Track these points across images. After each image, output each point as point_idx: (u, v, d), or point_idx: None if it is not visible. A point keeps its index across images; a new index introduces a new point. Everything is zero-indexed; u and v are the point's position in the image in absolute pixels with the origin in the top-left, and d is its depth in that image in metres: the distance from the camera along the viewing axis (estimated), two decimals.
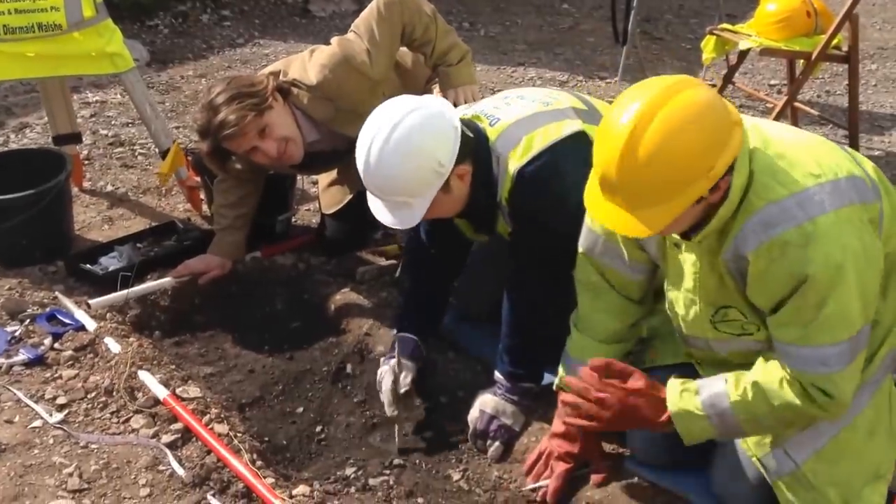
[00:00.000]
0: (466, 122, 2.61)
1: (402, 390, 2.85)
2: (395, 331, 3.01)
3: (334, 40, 3.32)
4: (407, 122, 2.43)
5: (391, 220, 2.55)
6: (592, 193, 2.09)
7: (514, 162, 2.57)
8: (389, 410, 2.86)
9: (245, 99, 3.14)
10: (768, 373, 2.15)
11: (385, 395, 2.86)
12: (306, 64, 3.30)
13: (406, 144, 2.42)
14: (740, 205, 2.05)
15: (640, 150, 1.92)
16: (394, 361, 2.87)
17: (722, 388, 2.19)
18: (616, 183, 1.99)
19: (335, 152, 3.49)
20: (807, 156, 2.06)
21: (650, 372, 2.62)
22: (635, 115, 1.93)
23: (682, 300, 2.34)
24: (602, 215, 2.07)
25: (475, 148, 2.58)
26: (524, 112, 2.66)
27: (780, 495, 2.28)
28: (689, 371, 2.50)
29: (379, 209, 2.57)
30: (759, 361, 2.19)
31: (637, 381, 2.31)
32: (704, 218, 2.08)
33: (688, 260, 2.25)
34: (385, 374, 2.89)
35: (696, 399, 2.21)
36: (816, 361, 2.05)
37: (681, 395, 2.24)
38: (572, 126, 2.61)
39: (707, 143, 1.93)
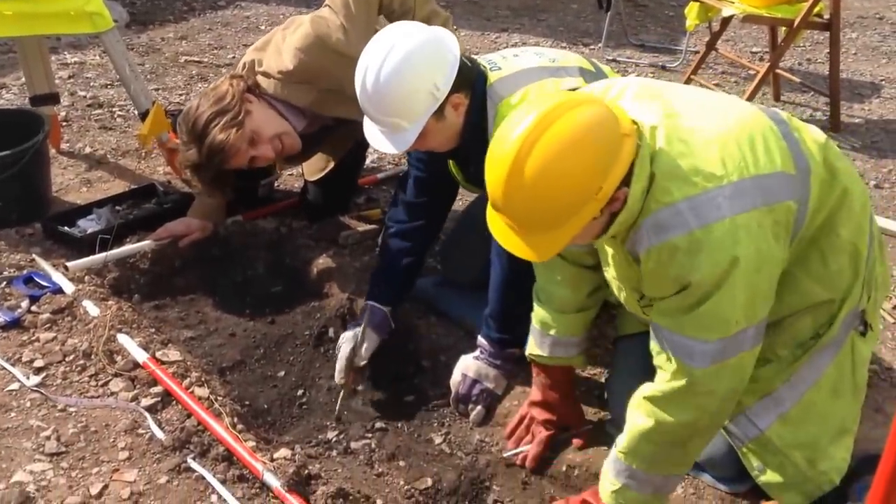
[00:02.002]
0: (469, 58, 2.58)
1: (360, 363, 2.85)
2: (367, 298, 3.00)
3: (307, 19, 3.20)
4: (406, 43, 2.42)
5: (382, 144, 2.53)
6: (489, 209, 2.03)
7: (507, 109, 2.54)
8: (338, 377, 2.86)
9: (220, 117, 3.05)
10: (633, 413, 2.13)
11: (340, 362, 2.86)
12: (280, 48, 3.20)
13: (404, 63, 2.40)
14: (643, 206, 1.99)
15: (524, 178, 1.86)
16: (358, 330, 2.85)
17: (614, 452, 2.20)
18: (502, 206, 1.94)
19: (323, 130, 3.45)
20: (714, 153, 1.97)
21: (624, 338, 2.66)
22: (518, 139, 1.87)
23: (613, 284, 2.34)
24: (499, 234, 2.02)
25: (473, 83, 2.55)
26: (528, 65, 2.62)
27: (747, 462, 2.30)
28: None
29: (376, 136, 2.55)
30: (628, 407, 2.17)
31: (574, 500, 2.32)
32: (609, 225, 2.03)
33: (608, 250, 2.25)
34: (346, 340, 2.88)
35: (609, 476, 2.21)
36: (683, 351, 2.02)
37: (605, 483, 2.23)
38: (571, 83, 2.57)
39: (591, 165, 1.86)
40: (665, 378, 2.07)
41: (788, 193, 2.02)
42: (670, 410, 2.06)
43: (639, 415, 2.12)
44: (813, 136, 2.19)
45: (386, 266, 3.03)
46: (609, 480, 2.21)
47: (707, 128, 2.02)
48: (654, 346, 2.11)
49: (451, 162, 2.86)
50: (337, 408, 2.83)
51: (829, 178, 2.15)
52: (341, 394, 2.84)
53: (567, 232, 1.92)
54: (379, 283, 3.00)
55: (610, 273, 2.32)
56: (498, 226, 2.01)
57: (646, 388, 2.12)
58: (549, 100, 1.93)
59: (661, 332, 2.07)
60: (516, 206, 1.92)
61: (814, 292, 2.19)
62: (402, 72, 2.40)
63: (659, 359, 2.09)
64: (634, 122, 1.98)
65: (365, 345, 2.85)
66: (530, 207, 1.90)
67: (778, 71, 5.19)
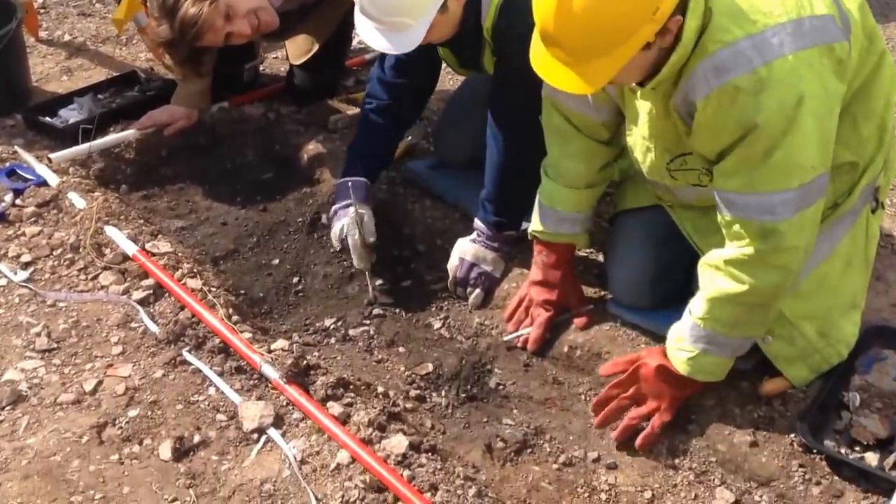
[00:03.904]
0: None
1: (371, 240, 2.78)
2: (343, 175, 2.91)
3: None
4: None
5: (385, 45, 2.42)
6: (536, 47, 1.95)
7: None
8: (362, 264, 2.79)
9: None
10: (710, 279, 2.09)
11: (355, 250, 2.78)
12: None
13: None
14: (695, 47, 1.91)
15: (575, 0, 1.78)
16: (352, 210, 2.76)
17: (690, 320, 2.15)
18: (554, 36, 1.86)
19: (304, 8, 3.31)
20: None
21: (623, 215, 2.60)
22: None
23: (639, 146, 2.27)
24: (545, 71, 1.94)
25: None
26: None
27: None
28: (660, 214, 2.47)
29: (372, 34, 2.43)
30: (700, 271, 2.13)
31: (647, 366, 2.25)
32: (657, 65, 1.95)
33: (643, 106, 2.16)
34: (348, 226, 2.78)
35: (684, 344, 2.17)
36: (762, 209, 1.97)
37: (678, 352, 2.19)
38: None
39: None
40: (745, 242, 2.01)
41: (842, 35, 1.96)
42: (757, 274, 2.02)
43: (720, 279, 2.07)
44: None
45: (363, 141, 2.95)
46: (684, 349, 2.18)
47: None
48: (723, 216, 2.04)
49: (441, 49, 2.74)
50: (371, 291, 2.78)
51: (867, 43, 2.08)
52: (368, 276, 2.79)
53: (620, 57, 1.84)
54: (356, 158, 2.92)
55: (639, 134, 2.23)
56: (544, 62, 1.94)
57: (724, 253, 2.06)
58: None
59: (731, 198, 2.01)
60: (570, 27, 1.83)
61: (840, 155, 2.13)
62: None
63: (730, 228, 2.03)
64: None
65: (365, 221, 2.78)
66: (585, 27, 1.82)
67: None
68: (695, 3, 1.87)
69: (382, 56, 2.89)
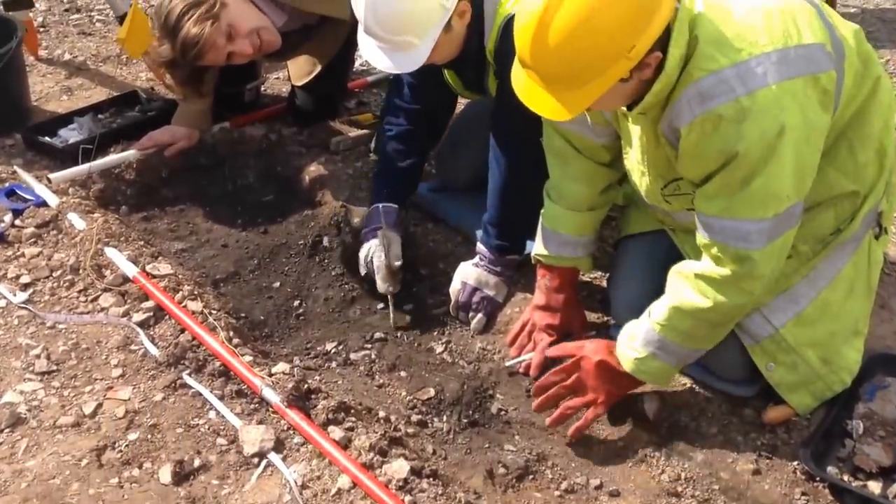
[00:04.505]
0: None
1: (396, 264, 2.77)
2: (372, 202, 2.90)
3: None
4: None
5: (389, 65, 2.42)
6: (517, 70, 1.97)
7: (505, 8, 2.43)
8: (384, 287, 2.77)
9: (194, 10, 2.92)
10: (679, 288, 2.11)
11: (379, 272, 2.77)
12: None
13: None
14: (681, 74, 1.93)
15: (552, 31, 1.80)
16: (381, 234, 2.76)
17: (647, 323, 2.17)
18: (531, 65, 1.88)
19: (306, 28, 3.31)
20: (758, 20, 1.92)
21: (625, 239, 2.60)
22: None
23: (635, 170, 2.28)
24: (525, 95, 1.96)
25: None
26: None
27: (758, 361, 2.28)
28: (663, 238, 2.47)
29: (376, 54, 2.43)
30: (669, 277, 2.16)
31: (588, 360, 2.29)
32: (641, 92, 1.97)
33: (635, 131, 2.17)
34: (374, 249, 2.78)
35: (635, 343, 2.20)
36: (738, 235, 1.99)
37: (627, 350, 2.22)
38: None
39: (625, 21, 1.79)
40: (719, 263, 2.04)
41: (830, 64, 1.97)
42: (726, 293, 2.05)
43: (687, 290, 2.09)
44: (845, 22, 2.13)
45: (387, 168, 2.94)
46: (634, 348, 2.20)
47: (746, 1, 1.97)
48: (702, 238, 2.07)
49: (446, 70, 2.74)
50: (392, 317, 2.76)
51: (861, 69, 2.10)
52: (390, 302, 2.77)
53: (595, 90, 1.86)
54: (383, 185, 2.91)
55: (633, 158, 2.25)
56: (523, 84, 1.95)
57: (697, 266, 2.09)
58: None
59: (710, 222, 2.03)
60: (545, 59, 1.85)
61: (840, 184, 2.16)
62: None
63: (709, 251, 2.06)
64: None
65: (392, 245, 2.77)
66: (560, 61, 1.84)
67: None
68: (678, 34, 1.88)
69: (398, 82, 2.89)
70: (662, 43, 1.87)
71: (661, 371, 2.22)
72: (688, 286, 2.09)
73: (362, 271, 2.82)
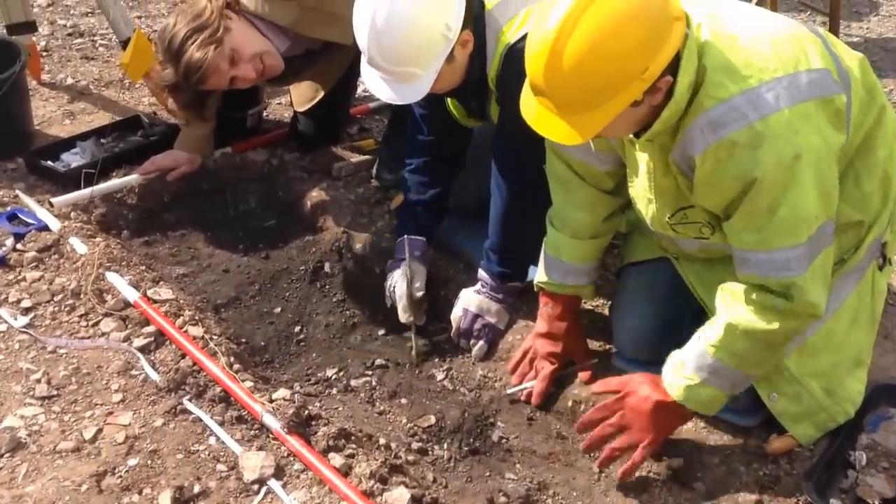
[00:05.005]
0: None
1: (418, 295, 2.77)
2: (398, 234, 2.91)
3: None
4: None
5: (391, 96, 2.42)
6: (526, 96, 1.97)
7: (507, 36, 2.43)
8: (405, 317, 2.77)
9: (198, 34, 2.93)
10: (733, 306, 2.08)
11: (400, 301, 2.77)
12: None
13: (415, 7, 2.28)
14: (691, 103, 1.93)
15: (566, 56, 1.80)
16: (405, 265, 2.77)
17: (700, 346, 2.13)
18: (544, 89, 1.88)
19: (309, 54, 3.32)
20: (766, 47, 1.93)
21: (628, 267, 2.60)
22: (561, 17, 1.80)
23: (641, 198, 2.27)
24: (535, 120, 1.96)
25: (475, 15, 2.44)
26: None
27: (761, 391, 2.27)
28: (666, 266, 2.46)
29: (378, 84, 2.43)
30: (720, 296, 2.12)
31: (635, 395, 2.24)
32: (650, 119, 1.97)
33: (642, 159, 2.17)
34: (398, 278, 2.79)
35: (685, 371, 2.16)
36: (778, 266, 1.98)
37: (676, 378, 2.17)
38: None
39: (638, 43, 1.80)
40: (766, 296, 2.02)
41: (839, 88, 1.98)
42: (783, 319, 2.02)
43: (742, 309, 2.05)
44: (850, 52, 2.14)
45: (411, 201, 2.94)
46: (684, 375, 2.15)
47: (754, 27, 1.98)
48: (742, 274, 2.05)
49: (448, 99, 2.75)
50: (413, 348, 2.75)
51: (867, 98, 2.11)
52: (413, 332, 2.77)
53: (608, 112, 1.85)
54: (408, 218, 2.92)
55: (640, 186, 2.24)
56: (534, 112, 1.95)
57: (751, 290, 2.04)
58: None
59: (745, 256, 2.02)
60: (559, 83, 1.84)
61: (845, 213, 2.15)
62: (415, 16, 2.27)
63: (754, 288, 2.03)
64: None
65: (416, 277, 2.78)
66: (574, 84, 1.83)
67: None
68: (687, 62, 1.89)
69: (413, 118, 2.89)
70: (673, 68, 1.87)
71: (711, 399, 2.17)
72: (742, 305, 2.06)
73: (388, 302, 2.82)
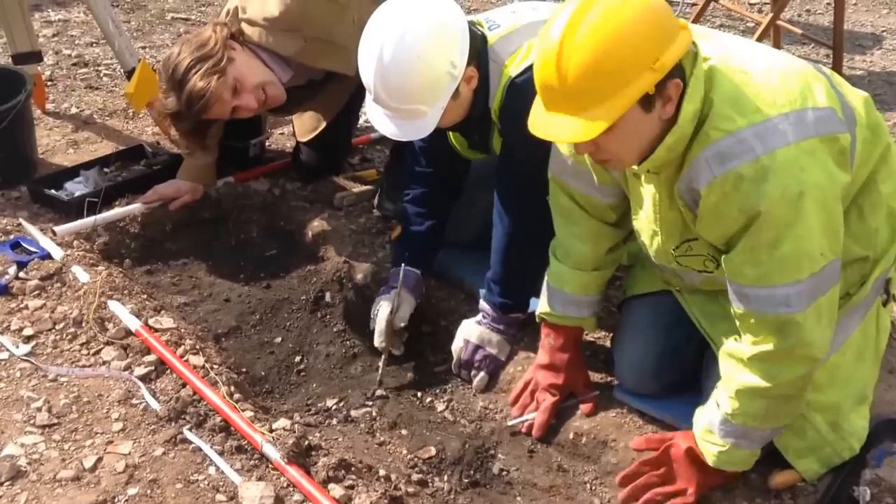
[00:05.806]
0: (468, 22, 2.46)
1: (400, 325, 2.77)
2: (394, 264, 2.91)
3: None
4: (417, 22, 2.30)
5: (396, 132, 2.43)
6: (535, 109, 1.97)
7: (509, 69, 2.45)
8: (378, 341, 2.77)
9: (201, 64, 2.96)
10: (735, 375, 2.08)
11: (378, 325, 2.77)
12: None
13: (421, 45, 2.28)
14: (697, 134, 1.94)
15: (577, 46, 1.80)
16: (394, 293, 2.77)
17: (719, 414, 2.14)
18: (555, 86, 1.86)
19: (311, 84, 3.34)
20: (776, 82, 1.94)
21: (631, 300, 2.60)
22: (567, 19, 1.82)
23: (645, 231, 2.27)
24: (544, 129, 1.94)
25: (479, 50, 2.46)
26: (528, 20, 2.52)
27: None
28: (668, 299, 2.46)
29: (382, 121, 2.44)
30: (723, 362, 2.13)
31: (677, 448, 2.24)
32: (654, 142, 1.96)
33: (647, 192, 2.17)
34: (383, 304, 2.79)
35: (716, 439, 2.16)
36: (777, 301, 1.96)
37: (707, 445, 2.18)
38: None
39: (649, 33, 1.81)
40: (763, 337, 2.01)
41: (844, 127, 1.98)
42: (783, 367, 2.02)
43: (746, 373, 2.05)
44: (855, 91, 2.15)
45: (408, 232, 2.94)
46: (714, 442, 2.16)
47: (764, 64, 1.99)
48: (737, 309, 2.04)
49: (451, 133, 2.76)
50: (379, 372, 2.75)
51: (871, 136, 2.11)
52: (382, 358, 2.77)
53: (620, 102, 1.82)
54: (404, 249, 2.92)
55: (644, 218, 2.24)
56: (542, 121, 1.94)
57: (746, 349, 2.05)
58: None
59: (744, 291, 2.01)
60: (570, 67, 1.82)
61: (850, 249, 2.15)
62: (421, 55, 2.29)
63: (748, 323, 2.03)
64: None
65: (402, 306, 2.77)
66: (586, 72, 1.81)
67: (779, 22, 5.07)
68: (693, 89, 1.90)
69: (412, 149, 2.90)
70: (681, 75, 1.88)
71: (746, 458, 2.18)
72: (745, 370, 2.06)
73: (371, 325, 2.82)
